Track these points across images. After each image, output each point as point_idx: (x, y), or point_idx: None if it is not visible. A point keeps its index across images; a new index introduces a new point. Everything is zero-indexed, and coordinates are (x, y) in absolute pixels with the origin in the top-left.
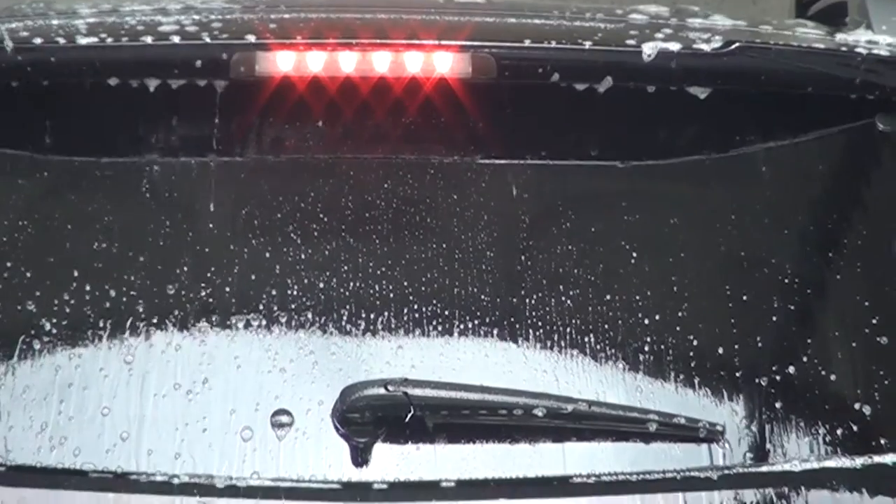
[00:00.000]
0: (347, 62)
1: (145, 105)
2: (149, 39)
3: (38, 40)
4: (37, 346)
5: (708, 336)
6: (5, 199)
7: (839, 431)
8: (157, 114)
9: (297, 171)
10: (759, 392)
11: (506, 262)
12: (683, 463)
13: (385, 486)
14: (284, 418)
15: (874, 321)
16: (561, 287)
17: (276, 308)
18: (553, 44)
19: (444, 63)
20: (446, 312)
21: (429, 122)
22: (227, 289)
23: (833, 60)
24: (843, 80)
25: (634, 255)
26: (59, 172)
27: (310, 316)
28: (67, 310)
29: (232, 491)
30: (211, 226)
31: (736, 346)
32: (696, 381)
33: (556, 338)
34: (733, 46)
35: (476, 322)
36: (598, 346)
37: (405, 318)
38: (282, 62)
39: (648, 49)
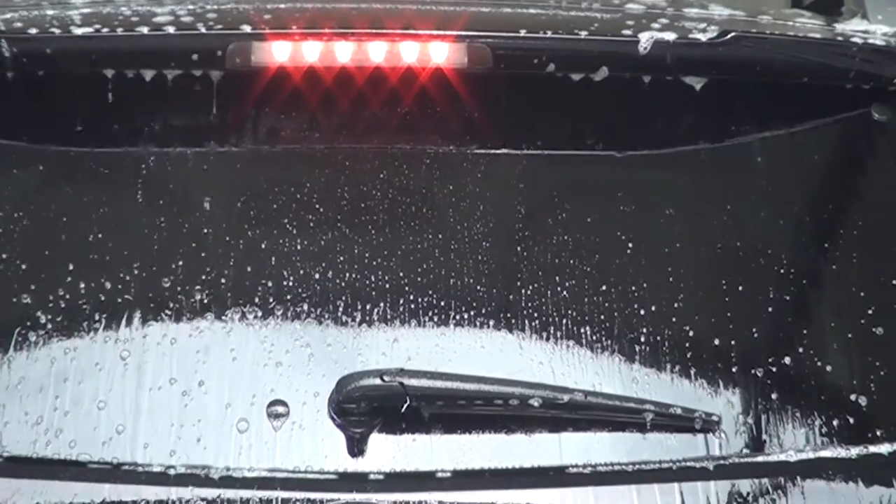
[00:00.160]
0: (343, 52)
1: (141, 96)
2: (144, 30)
3: (33, 30)
4: (32, 337)
5: (704, 326)
6: (1, 189)
7: (835, 422)
8: (153, 104)
9: (293, 161)
10: (756, 382)
11: (502, 252)
12: (679, 453)
13: (381, 477)
14: (280, 409)
15: (870, 311)
16: (557, 277)
17: (272, 298)
18: (549, 34)
19: (439, 53)
20: (442, 303)
21: (425, 112)
22: (224, 279)
23: (829, 50)
24: (838, 69)
25: (631, 245)
26: (55, 163)
27: (306, 306)
28: (63, 300)
29: (228, 482)
30: (207, 216)
31: (732, 337)
32: (693, 371)
33: (552, 328)
34: (729, 36)
35: (472, 312)
36: (595, 337)
37: (401, 309)
38: (277, 52)
39: (644, 39)
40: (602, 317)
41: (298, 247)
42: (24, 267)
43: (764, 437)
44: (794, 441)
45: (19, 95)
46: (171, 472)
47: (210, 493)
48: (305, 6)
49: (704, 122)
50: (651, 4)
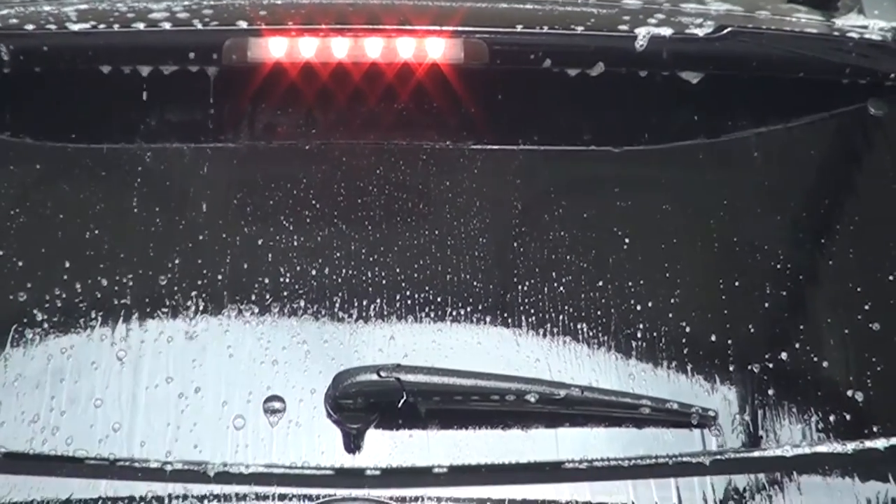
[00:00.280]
0: (340, 48)
1: (138, 92)
2: (141, 26)
3: (29, 27)
4: (29, 334)
5: (701, 322)
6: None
7: (831, 417)
8: (150, 100)
9: (289, 157)
10: (752, 378)
11: (499, 248)
12: (676, 448)
13: (378, 472)
14: (277, 404)
15: (866, 307)
16: (554, 273)
17: (268, 295)
18: (545, 29)
19: (436, 49)
20: (439, 299)
21: (421, 107)
22: (221, 275)
23: (825, 45)
24: (835, 64)
25: (627, 240)
26: (52, 159)
27: (302, 302)
28: (60, 297)
29: (224, 477)
30: (203, 212)
31: (729, 332)
32: (689, 367)
33: (549, 324)
34: (725, 31)
35: (469, 308)
36: (592, 332)
37: (398, 305)
38: (274, 48)
39: (640, 34)
40: (599, 312)
41: (295, 243)
42: (20, 263)
43: (760, 432)
44: (790, 436)
45: (16, 92)
46: (168, 467)
47: (207, 488)
48: (302, 2)
49: (701, 118)
50: (648, 0)
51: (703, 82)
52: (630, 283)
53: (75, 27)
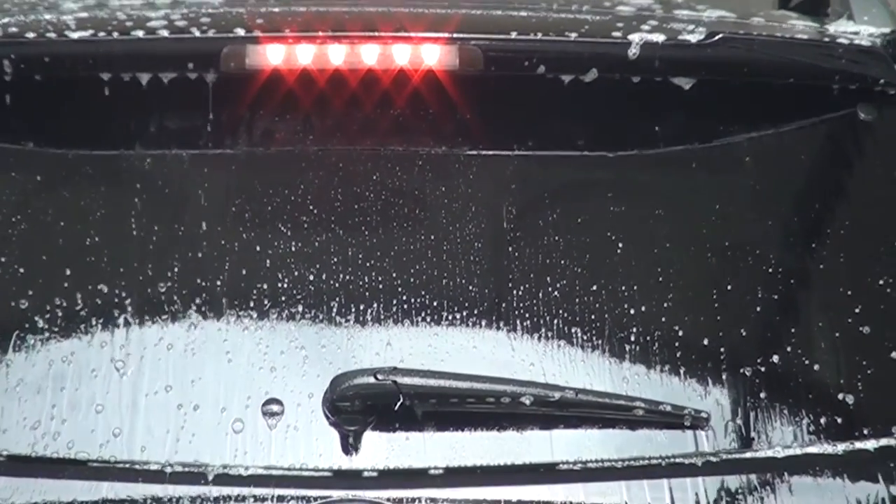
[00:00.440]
0: (336, 55)
1: (138, 99)
2: (140, 34)
3: (30, 35)
4: (30, 339)
5: (693, 325)
6: (0, 191)
7: (822, 419)
8: (150, 107)
9: (287, 162)
10: (744, 380)
11: (494, 252)
12: (669, 450)
13: (375, 474)
14: (275, 407)
15: (857, 310)
16: (548, 277)
17: (267, 299)
18: (539, 35)
19: (431, 55)
20: (435, 303)
21: (417, 113)
22: (220, 281)
23: (815, 51)
24: (825, 70)
25: (621, 244)
26: (53, 166)
27: (300, 307)
28: (61, 303)
29: (223, 479)
30: (202, 217)
31: (721, 335)
32: (682, 369)
33: (544, 327)
34: (717, 38)
35: (465, 312)
36: (586, 336)
37: (395, 309)
38: (272, 55)
39: (633, 40)
40: (593, 316)
41: (293, 248)
42: (22, 270)
43: (752, 433)
44: (781, 438)
45: (17, 99)
46: (169, 470)
47: (207, 490)
48: (299, 9)
49: (694, 123)
50: (641, 6)
51: (696, 88)
52: (624, 288)
53: (75, 35)
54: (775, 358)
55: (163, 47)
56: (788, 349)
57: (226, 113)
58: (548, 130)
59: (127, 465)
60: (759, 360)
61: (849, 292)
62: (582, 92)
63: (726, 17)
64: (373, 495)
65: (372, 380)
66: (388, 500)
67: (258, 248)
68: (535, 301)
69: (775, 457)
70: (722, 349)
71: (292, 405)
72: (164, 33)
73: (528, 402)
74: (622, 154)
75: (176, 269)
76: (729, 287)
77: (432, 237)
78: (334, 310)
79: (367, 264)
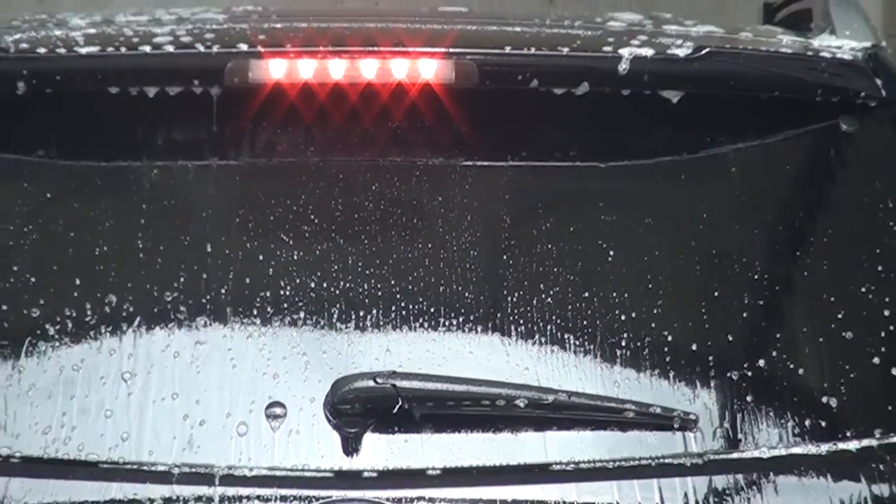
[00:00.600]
0: (337, 69)
1: (145, 111)
2: (147, 49)
3: (41, 50)
4: (41, 346)
5: (683, 331)
6: (13, 202)
7: (806, 421)
8: (157, 120)
9: (289, 173)
10: (731, 384)
11: (489, 260)
12: (658, 451)
13: (374, 474)
14: (278, 410)
15: (839, 317)
16: (542, 284)
17: (270, 307)
18: (532, 50)
19: (428, 70)
20: (432, 310)
21: (414, 126)
22: (224, 288)
23: (799, 65)
24: (808, 83)
25: (612, 252)
26: (65, 177)
27: (302, 314)
28: (70, 312)
29: (229, 479)
30: (207, 227)
31: (709, 341)
32: (672, 373)
33: (538, 333)
34: (704, 52)
35: (461, 318)
36: (579, 341)
37: (393, 316)
38: (274, 70)
39: (623, 55)
40: (585, 322)
41: (295, 257)
42: (33, 279)
43: (739, 435)
44: (767, 439)
45: (29, 113)
46: (176, 471)
47: (213, 491)
48: (300, 25)
49: (682, 134)
50: (632, 22)
51: (684, 100)
52: (615, 294)
53: (83, 50)
54: (761, 362)
55: (169, 62)
56: (774, 354)
57: (230, 125)
58: (541, 142)
59: (136, 467)
60: (745, 365)
61: (832, 299)
62: (574, 104)
63: (713, 32)
64: (372, 495)
65: (371, 384)
66: (388, 499)
67: (262, 257)
68: (529, 307)
69: (761, 457)
70: (710, 354)
71: (295, 408)
72: (170, 49)
73: (522, 404)
74: (613, 164)
75: (182, 279)
76: (716, 294)
77: (430, 246)
78: (335, 317)
79: (367, 272)
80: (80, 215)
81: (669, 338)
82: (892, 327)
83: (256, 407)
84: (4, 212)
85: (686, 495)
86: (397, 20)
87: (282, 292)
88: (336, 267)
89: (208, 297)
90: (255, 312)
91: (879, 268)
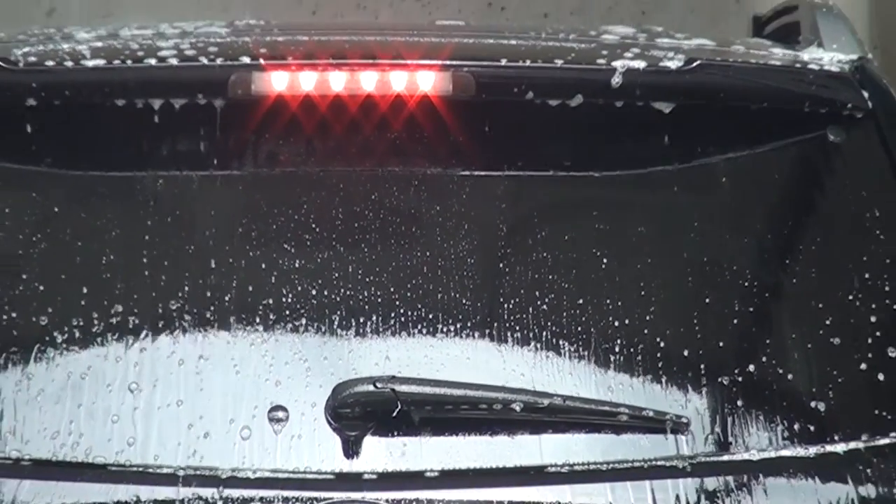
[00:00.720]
0: (337, 81)
1: (150, 123)
2: (152, 62)
3: (49, 63)
4: (50, 354)
5: (675, 336)
6: (22, 211)
7: (795, 424)
8: (162, 131)
9: (290, 183)
10: (722, 388)
11: (486, 268)
12: (651, 453)
13: (374, 477)
14: (280, 414)
15: (827, 323)
16: (538, 292)
17: (272, 313)
18: (528, 63)
19: (426, 82)
20: (430, 316)
21: (413, 136)
22: (229, 296)
23: (787, 77)
24: (796, 94)
25: (607, 260)
26: (73, 187)
27: (304, 320)
28: (78, 320)
29: (233, 482)
30: (211, 236)
31: (701, 347)
32: (664, 377)
33: (534, 338)
34: (695, 64)
35: (458, 324)
36: (573, 346)
37: (393, 322)
38: (276, 82)
39: (616, 67)
40: (580, 328)
41: (297, 265)
42: (41, 287)
43: (729, 437)
44: (757, 441)
45: (38, 124)
46: (181, 473)
47: (217, 493)
48: (301, 38)
49: (674, 144)
50: (625, 35)
51: (676, 111)
52: (609, 301)
53: (90, 63)
54: (751, 367)
55: (174, 75)
56: (763, 359)
57: (233, 136)
58: (536, 152)
59: (142, 470)
60: (736, 370)
61: (820, 305)
62: (568, 115)
63: (704, 44)
64: (372, 497)
65: (371, 388)
66: (387, 501)
67: (264, 266)
68: (525, 313)
69: (751, 459)
70: (701, 359)
71: (296, 413)
72: (175, 62)
73: (518, 408)
74: (607, 174)
75: (186, 287)
76: (707, 301)
77: (428, 254)
78: (336, 323)
79: (367, 280)
80: (87, 225)
81: (662, 343)
82: (878, 333)
83: (259, 411)
84: (14, 221)
85: (678, 497)
86: (396, 34)
87: (284, 300)
88: (337, 275)
89: (213, 304)
90: (257, 320)
91: (866, 275)
